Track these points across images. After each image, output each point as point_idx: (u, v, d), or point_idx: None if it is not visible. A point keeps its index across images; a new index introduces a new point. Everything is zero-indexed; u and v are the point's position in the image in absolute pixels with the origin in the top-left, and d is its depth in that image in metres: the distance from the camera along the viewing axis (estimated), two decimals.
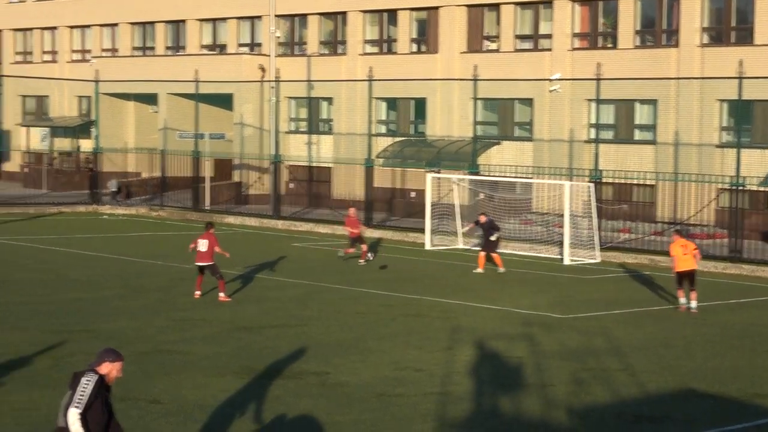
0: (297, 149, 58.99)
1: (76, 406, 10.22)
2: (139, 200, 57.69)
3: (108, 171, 60.03)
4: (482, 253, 35.62)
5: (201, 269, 27.19)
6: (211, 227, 27.83)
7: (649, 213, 46.29)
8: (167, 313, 24.64)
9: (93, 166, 58.98)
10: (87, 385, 10.31)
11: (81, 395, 10.27)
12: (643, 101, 48.78)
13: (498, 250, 35.91)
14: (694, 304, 27.54)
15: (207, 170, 55.90)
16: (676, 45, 47.77)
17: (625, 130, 49.49)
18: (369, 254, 36.22)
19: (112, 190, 58.29)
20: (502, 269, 35.04)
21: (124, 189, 60.20)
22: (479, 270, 34.97)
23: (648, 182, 46.01)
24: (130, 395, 16.47)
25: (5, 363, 18.71)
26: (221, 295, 27.09)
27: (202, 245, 26.86)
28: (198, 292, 27.37)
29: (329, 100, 59.32)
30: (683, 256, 27.52)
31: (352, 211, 37.29)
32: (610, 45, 50.43)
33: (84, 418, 10.23)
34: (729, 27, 47.20)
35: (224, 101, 60.82)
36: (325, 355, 20.34)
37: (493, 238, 35.70)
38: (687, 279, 27.63)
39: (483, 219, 36.47)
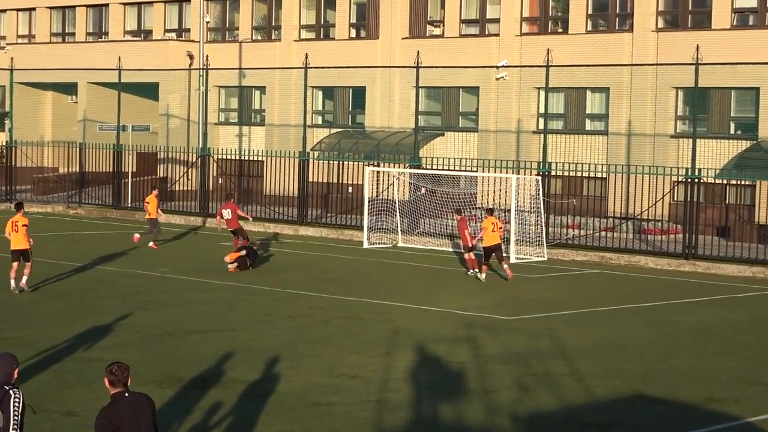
0: (227, 142, 58.91)
1: (14, 429, 10.12)
2: (57, 197, 57.27)
3: (22, 166, 59.48)
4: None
5: (234, 233, 33.22)
6: (231, 198, 33.35)
7: (601, 207, 46.71)
8: (86, 319, 24.52)
9: (5, 160, 58.25)
10: (18, 403, 10.19)
11: (16, 417, 10.14)
12: (594, 89, 49.28)
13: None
14: (507, 272, 32.53)
15: (129, 165, 55.67)
16: (630, 30, 48.29)
17: (576, 120, 49.99)
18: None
19: None
20: None
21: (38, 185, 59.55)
22: None
23: (599, 175, 46.47)
24: (44, 407, 16.40)
25: None
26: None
27: (226, 214, 32.65)
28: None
29: (262, 89, 59.31)
30: (492, 233, 31.82)
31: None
32: (560, 30, 50.91)
33: None
34: (686, 11, 47.76)
35: (149, 91, 60.58)
36: (254, 362, 20.36)
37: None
38: (496, 252, 32.08)
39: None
